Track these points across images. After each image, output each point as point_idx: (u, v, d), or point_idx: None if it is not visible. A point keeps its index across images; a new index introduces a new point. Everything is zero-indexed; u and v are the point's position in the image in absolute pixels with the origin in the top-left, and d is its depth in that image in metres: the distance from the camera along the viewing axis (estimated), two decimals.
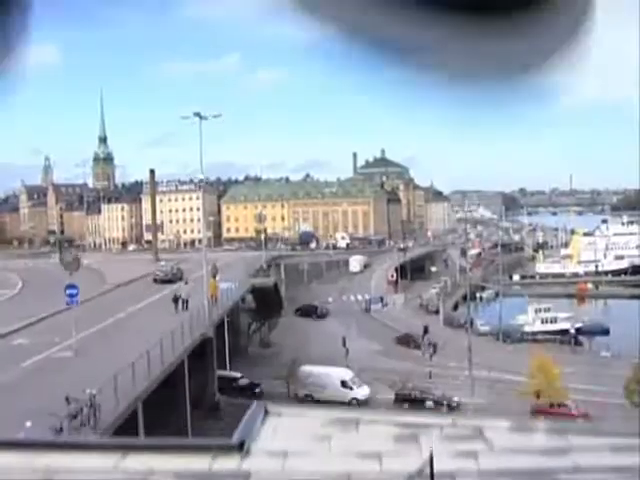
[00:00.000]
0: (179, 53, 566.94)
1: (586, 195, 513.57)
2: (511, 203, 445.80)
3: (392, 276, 70.74)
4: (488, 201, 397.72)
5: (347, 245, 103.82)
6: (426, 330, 48.00)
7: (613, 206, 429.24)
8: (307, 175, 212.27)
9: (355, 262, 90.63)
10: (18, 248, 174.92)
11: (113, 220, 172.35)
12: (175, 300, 34.00)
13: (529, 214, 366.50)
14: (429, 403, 36.18)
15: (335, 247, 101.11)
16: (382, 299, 47.28)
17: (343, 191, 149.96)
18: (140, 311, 33.61)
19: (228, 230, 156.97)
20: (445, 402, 36.06)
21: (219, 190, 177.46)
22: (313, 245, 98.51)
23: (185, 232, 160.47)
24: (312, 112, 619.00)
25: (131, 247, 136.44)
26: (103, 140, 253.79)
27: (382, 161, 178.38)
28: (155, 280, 48.10)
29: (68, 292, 22.69)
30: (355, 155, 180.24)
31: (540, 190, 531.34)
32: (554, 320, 63.74)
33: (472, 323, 58.90)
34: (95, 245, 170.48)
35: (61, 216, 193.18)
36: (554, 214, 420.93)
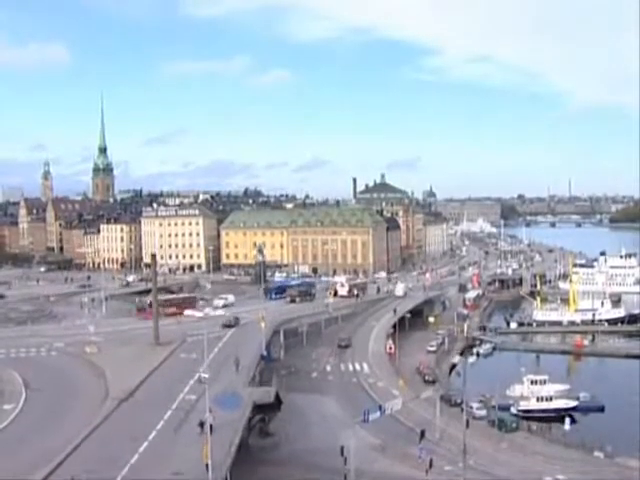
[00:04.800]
0: (188, 52, 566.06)
1: (585, 203, 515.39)
2: (510, 212, 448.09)
3: (390, 348, 71.26)
4: (487, 210, 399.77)
5: (357, 295, 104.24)
6: (422, 434, 48.46)
7: (612, 217, 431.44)
8: (307, 196, 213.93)
9: (399, 289, 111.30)
10: (15, 267, 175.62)
11: (112, 240, 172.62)
12: (201, 425, 35.72)
13: (527, 225, 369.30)
14: None
15: (336, 294, 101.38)
16: (380, 407, 47.62)
17: (342, 220, 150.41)
18: (149, 458, 33.64)
19: (227, 256, 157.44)
20: None
21: (219, 212, 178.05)
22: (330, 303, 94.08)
23: (184, 257, 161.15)
24: (315, 112, 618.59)
25: (131, 278, 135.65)
26: (103, 150, 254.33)
27: (382, 186, 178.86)
28: (223, 325, 74.34)
29: None
30: (355, 180, 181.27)
31: (539, 197, 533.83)
32: (549, 399, 64.33)
33: (468, 405, 59.51)
34: (94, 265, 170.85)
35: (60, 233, 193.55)
36: (553, 225, 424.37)
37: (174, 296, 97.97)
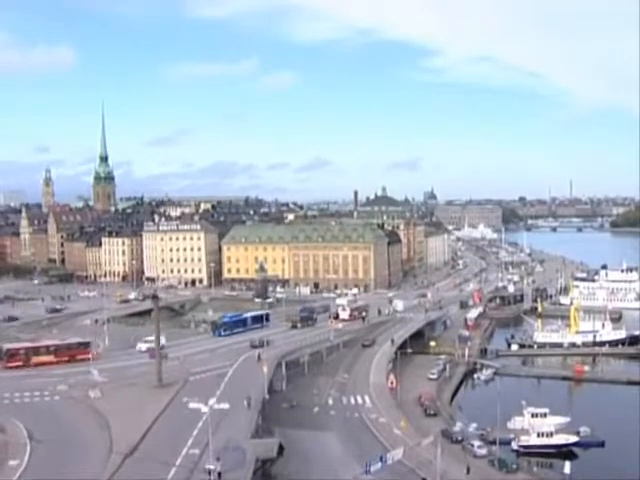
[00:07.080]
0: (191, 54, 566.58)
1: (586, 206, 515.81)
2: (511, 215, 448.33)
3: (392, 383, 71.44)
4: (488, 214, 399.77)
5: (363, 318, 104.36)
6: None
7: (613, 222, 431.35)
8: (308, 207, 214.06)
9: (399, 304, 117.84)
10: (17, 279, 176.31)
11: (114, 254, 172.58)
12: (209, 473, 37.05)
13: (528, 229, 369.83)
14: None
15: (337, 317, 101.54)
16: (382, 458, 47.91)
17: (344, 235, 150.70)
18: None
19: (229, 271, 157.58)
20: None
21: (220, 223, 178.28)
22: None
23: (186, 272, 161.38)
24: (317, 113, 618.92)
25: (132, 295, 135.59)
26: (104, 159, 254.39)
27: (383, 199, 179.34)
28: (251, 346, 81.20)
29: None
30: (356, 193, 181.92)
31: (540, 199, 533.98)
32: (550, 434, 64.52)
33: (470, 443, 59.84)
34: (95, 277, 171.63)
35: (62, 245, 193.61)
36: (554, 230, 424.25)
37: (55, 342, 74.75)
